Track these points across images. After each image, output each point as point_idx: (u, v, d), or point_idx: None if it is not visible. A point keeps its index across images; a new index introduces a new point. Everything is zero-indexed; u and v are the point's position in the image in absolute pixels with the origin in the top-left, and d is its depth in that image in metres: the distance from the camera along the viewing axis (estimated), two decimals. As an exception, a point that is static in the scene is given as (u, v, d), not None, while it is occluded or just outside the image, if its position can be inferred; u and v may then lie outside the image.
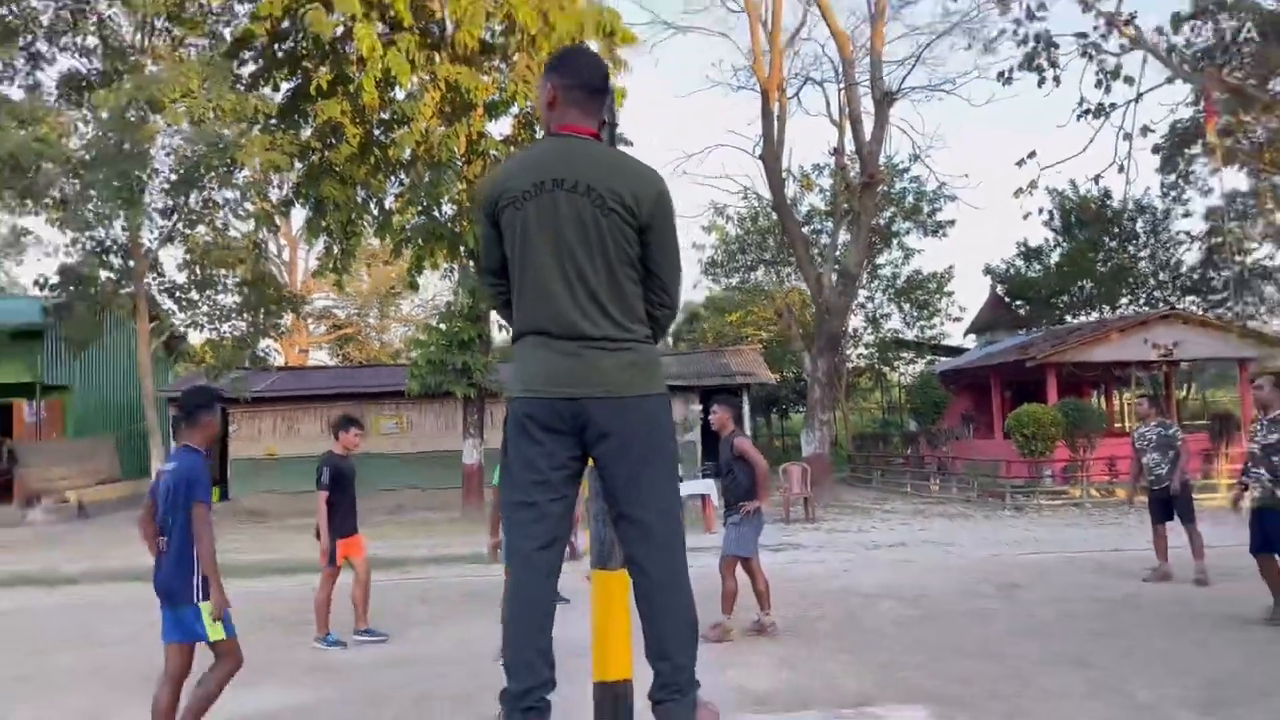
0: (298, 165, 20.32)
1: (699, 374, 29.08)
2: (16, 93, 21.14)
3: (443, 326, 20.71)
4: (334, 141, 19.64)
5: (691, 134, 71.48)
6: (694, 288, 37.51)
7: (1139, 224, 34.26)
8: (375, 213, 20.69)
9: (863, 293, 36.45)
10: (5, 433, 27.21)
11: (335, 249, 20.87)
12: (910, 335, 36.62)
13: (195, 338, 27.66)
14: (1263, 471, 7.66)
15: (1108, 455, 20.85)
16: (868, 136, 21.30)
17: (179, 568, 5.04)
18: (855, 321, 37.27)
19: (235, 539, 17.37)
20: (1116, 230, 33.73)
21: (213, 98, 17.20)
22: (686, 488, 17.36)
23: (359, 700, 6.50)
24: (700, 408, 28.00)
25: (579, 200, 2.61)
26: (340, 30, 18.19)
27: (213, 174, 19.47)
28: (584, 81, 2.78)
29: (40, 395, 26.10)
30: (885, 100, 21.26)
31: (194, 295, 23.89)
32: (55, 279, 21.03)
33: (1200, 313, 27.74)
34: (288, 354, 45.64)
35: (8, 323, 23.59)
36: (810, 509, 18.17)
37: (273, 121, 19.84)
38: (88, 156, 18.74)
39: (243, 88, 19.07)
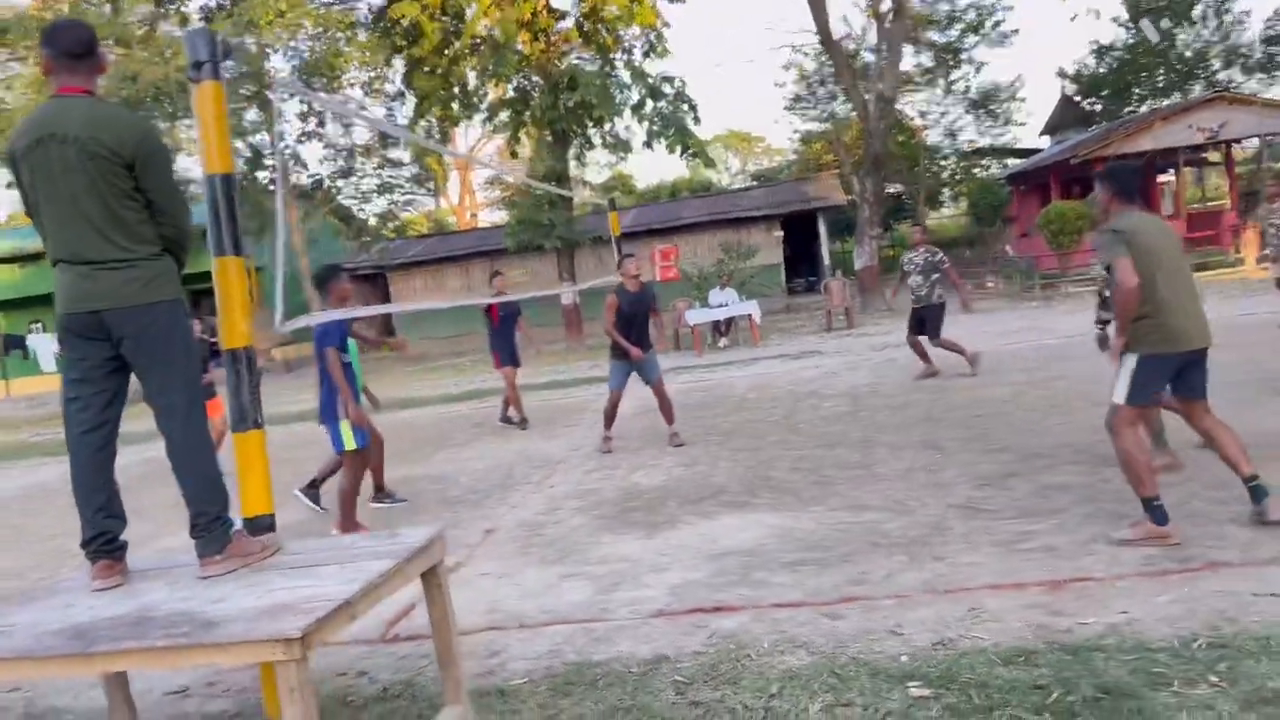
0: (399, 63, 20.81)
1: (780, 202, 28.79)
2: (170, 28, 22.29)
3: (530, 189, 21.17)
4: (417, 38, 19.94)
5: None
6: (775, 124, 36.45)
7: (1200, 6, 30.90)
8: (459, 96, 20.99)
9: (938, 108, 34.64)
10: (211, 311, 29.69)
11: (435, 133, 21.40)
12: (985, 144, 34.70)
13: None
14: None
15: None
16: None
17: (326, 396, 6.20)
18: (935, 136, 35.60)
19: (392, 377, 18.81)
20: (1180, 18, 30.56)
21: (297, 16, 17.70)
22: (737, 309, 17.64)
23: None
24: (781, 233, 27.87)
25: (69, 150, 2.90)
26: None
27: (323, 78, 20.12)
28: (66, 49, 3.02)
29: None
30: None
31: (339, 183, 25.13)
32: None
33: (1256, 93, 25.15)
34: (460, 217, 47.01)
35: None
36: (851, 317, 18.19)
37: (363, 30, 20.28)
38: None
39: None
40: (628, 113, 18.97)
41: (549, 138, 20.13)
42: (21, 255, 28.36)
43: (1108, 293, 5.13)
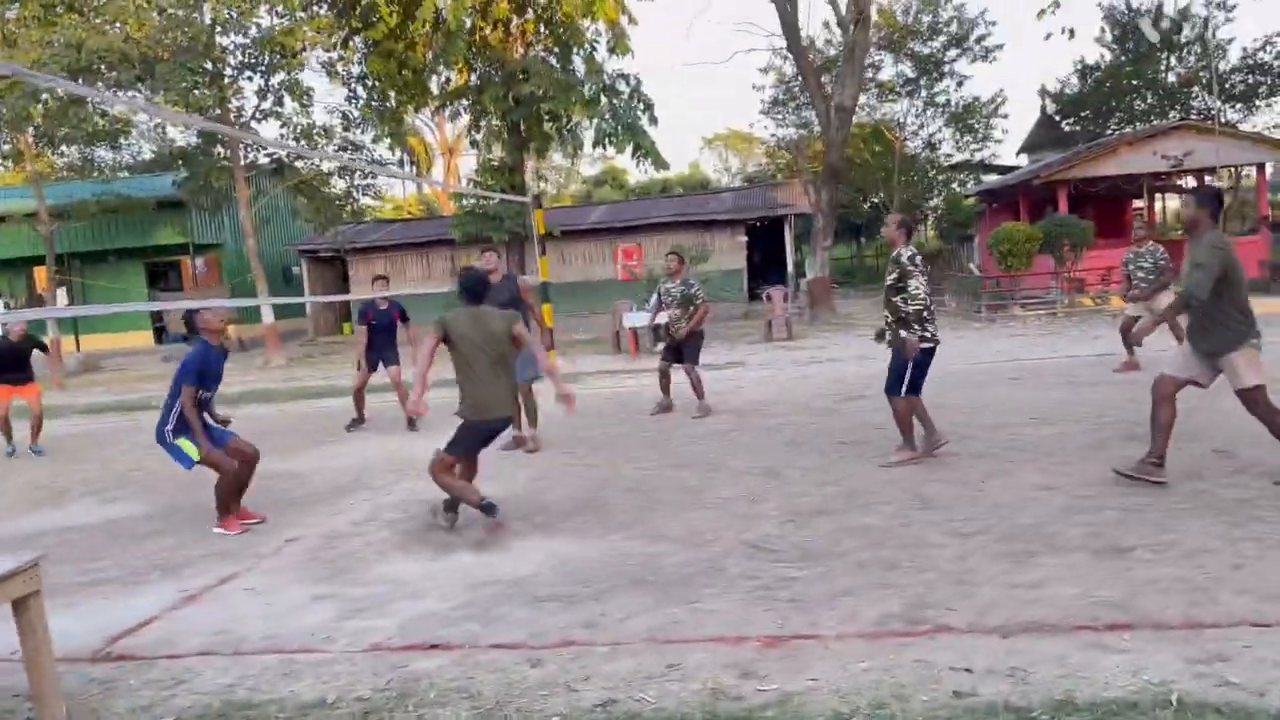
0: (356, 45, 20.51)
1: (747, 207, 28.59)
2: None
3: (479, 180, 20.93)
4: (373, 21, 19.64)
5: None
6: (750, 127, 36.20)
7: (1183, 33, 30.69)
8: (410, 81, 20.65)
9: (917, 120, 34.39)
10: (179, 286, 29.50)
11: (387, 118, 21.10)
12: (962, 159, 34.47)
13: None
14: None
15: (1098, 266, 19.58)
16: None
17: (162, 419, 6.26)
18: (915, 148, 35.37)
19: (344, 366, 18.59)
20: (1166, 43, 30.34)
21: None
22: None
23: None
24: (745, 238, 27.65)
25: None
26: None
27: (276, 56, 19.81)
28: None
29: (194, 253, 27.90)
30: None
31: (298, 164, 24.77)
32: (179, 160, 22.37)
33: (1218, 121, 24.89)
34: (444, 203, 46.60)
35: (153, 195, 25.11)
36: (790, 329, 18.00)
37: (320, 11, 19.98)
38: (164, 50, 19.36)
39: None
40: (578, 109, 18.70)
41: (504, 129, 19.87)
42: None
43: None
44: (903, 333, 6.57)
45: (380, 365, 10.39)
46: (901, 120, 33.82)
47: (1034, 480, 5.93)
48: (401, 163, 25.57)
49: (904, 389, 6.67)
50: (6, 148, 24.79)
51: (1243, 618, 3.60)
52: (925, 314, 6.55)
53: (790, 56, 26.20)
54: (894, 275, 6.60)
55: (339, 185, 25.93)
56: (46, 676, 2.93)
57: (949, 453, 6.86)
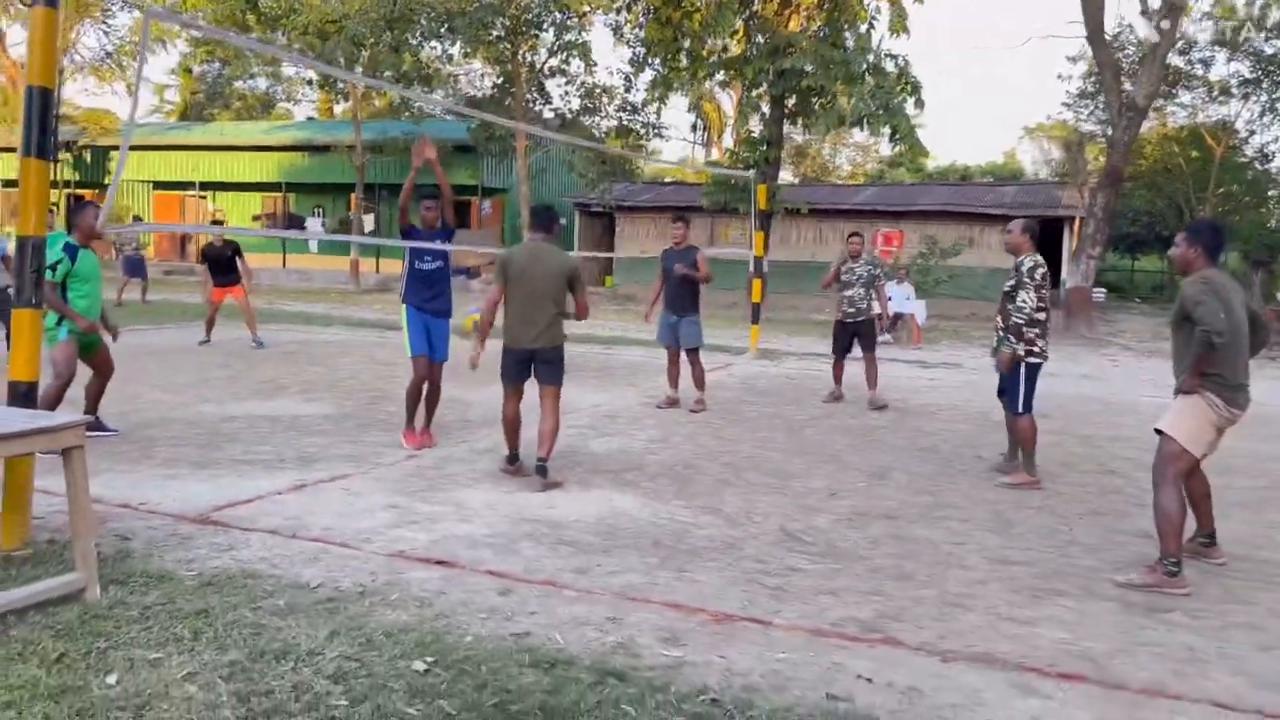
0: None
1: (1024, 204, 26.86)
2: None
3: (730, 150, 21.18)
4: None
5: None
6: (1047, 117, 33.46)
7: None
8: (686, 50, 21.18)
9: (1249, 126, 30.59)
10: (464, 224, 32.23)
11: (659, 83, 21.81)
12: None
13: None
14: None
15: None
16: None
17: None
18: (1248, 154, 31.52)
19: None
20: None
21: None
22: (899, 305, 16.98)
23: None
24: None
25: None
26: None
27: (556, 15, 21.07)
28: None
29: (482, 195, 30.36)
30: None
31: (583, 119, 26.28)
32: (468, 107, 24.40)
33: None
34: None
35: (450, 139, 27.56)
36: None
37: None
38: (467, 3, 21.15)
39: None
40: (840, 86, 18.41)
41: (763, 101, 20.00)
42: (313, 145, 31.98)
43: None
44: (1005, 345, 6.28)
45: None
46: (1231, 124, 30.25)
47: (1136, 527, 5.50)
48: (695, 126, 26.47)
49: (1021, 405, 6.36)
50: (340, 86, 28.10)
51: (1216, 698, 3.31)
52: (1029, 328, 6.26)
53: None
54: (1010, 283, 6.33)
55: (615, 144, 27.22)
56: (82, 516, 3.66)
57: (1084, 484, 6.46)
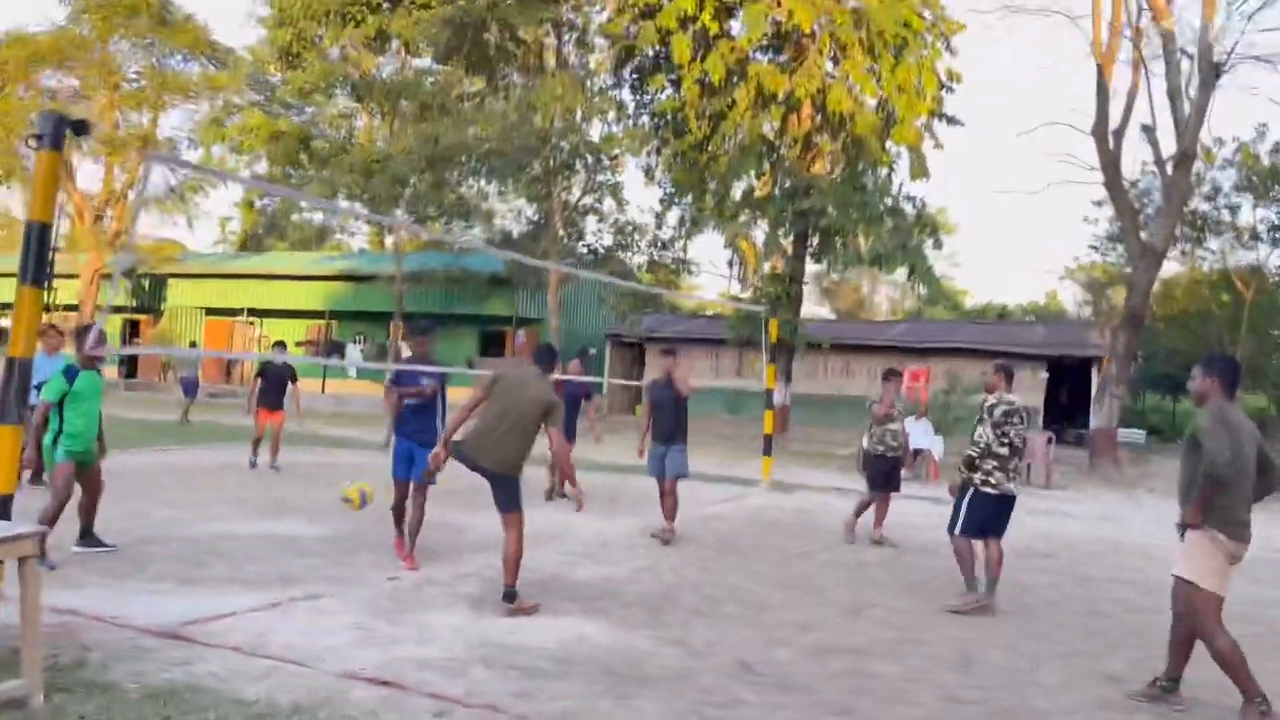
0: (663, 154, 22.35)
1: (1054, 343, 26.95)
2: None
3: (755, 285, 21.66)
4: (680, 133, 21.33)
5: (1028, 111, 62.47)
6: (1073, 260, 33.73)
7: None
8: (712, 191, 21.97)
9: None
10: (502, 353, 32.99)
11: (686, 221, 22.57)
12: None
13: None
14: None
15: None
16: (1187, 110, 18.32)
17: None
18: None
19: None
20: None
21: (570, 100, 19.70)
22: (917, 441, 16.94)
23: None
24: (1046, 375, 26.07)
25: None
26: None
27: (588, 158, 22.06)
28: None
29: (516, 325, 31.11)
30: (1211, 72, 18.08)
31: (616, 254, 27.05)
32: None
33: None
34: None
35: (485, 271, 28.50)
36: (1049, 476, 16.79)
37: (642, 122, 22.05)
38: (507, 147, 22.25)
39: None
40: (860, 226, 18.93)
41: (783, 239, 20.56)
42: (357, 275, 33.16)
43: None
44: (958, 474, 6.70)
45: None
46: (1261, 268, 30.30)
47: (1106, 669, 5.40)
48: (730, 262, 27.19)
49: (958, 527, 6.73)
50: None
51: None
52: (983, 459, 6.60)
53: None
54: (978, 418, 6.61)
55: (645, 278, 27.92)
56: (31, 625, 3.81)
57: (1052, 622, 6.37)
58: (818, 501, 12.77)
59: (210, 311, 35.85)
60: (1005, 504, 6.74)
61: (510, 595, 5.92)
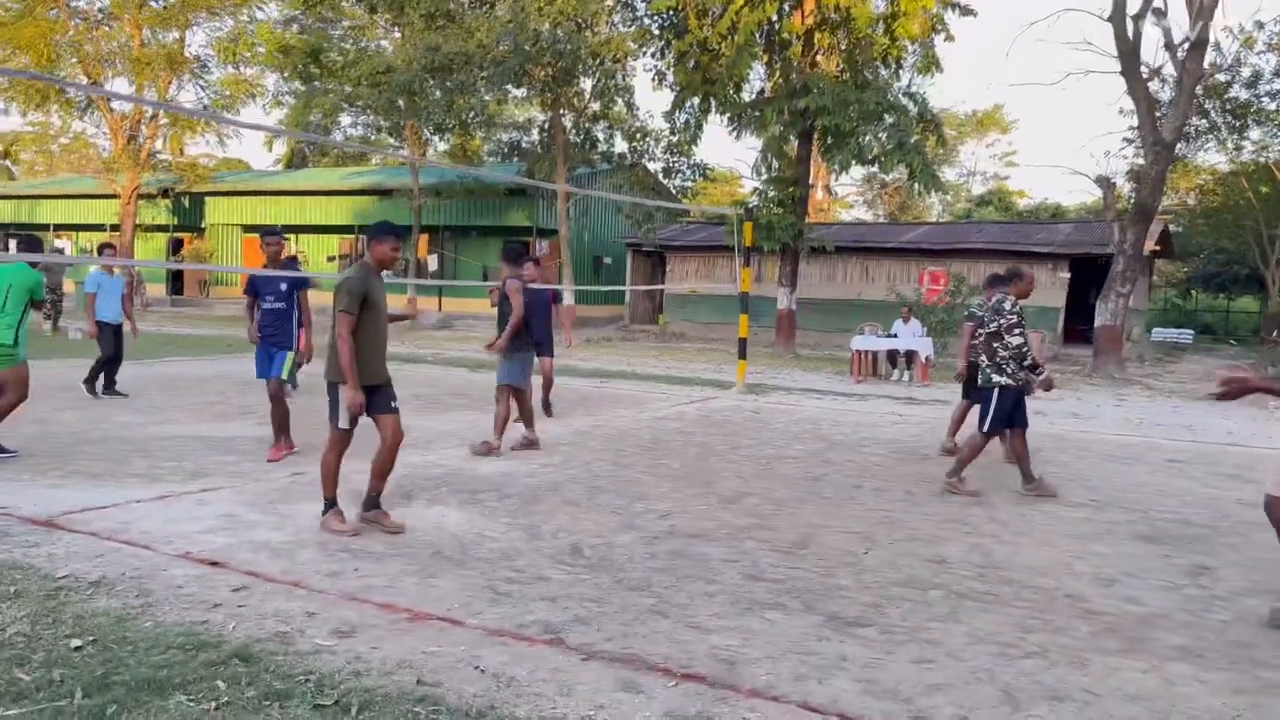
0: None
1: (1074, 242, 26.19)
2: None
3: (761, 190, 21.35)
4: (681, 33, 20.86)
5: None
6: (1107, 156, 32.27)
7: None
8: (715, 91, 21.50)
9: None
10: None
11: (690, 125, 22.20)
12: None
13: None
14: None
15: None
16: (1201, -8, 17.31)
17: None
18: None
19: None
20: None
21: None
22: (905, 342, 16.84)
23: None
24: (1067, 275, 25.44)
25: None
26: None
27: (589, 61, 21.78)
28: None
29: (537, 235, 31.21)
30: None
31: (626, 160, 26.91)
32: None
33: None
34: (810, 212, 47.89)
35: (501, 183, 28.53)
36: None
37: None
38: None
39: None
40: (858, 124, 18.44)
41: (785, 141, 20.17)
42: (380, 189, 33.42)
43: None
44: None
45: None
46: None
47: (936, 554, 5.52)
48: (755, 168, 26.80)
49: (985, 424, 7.31)
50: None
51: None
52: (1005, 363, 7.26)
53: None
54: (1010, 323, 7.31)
55: (666, 185, 27.75)
56: None
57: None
58: (783, 404, 12.86)
59: (247, 229, 36.56)
60: (1022, 395, 7.38)
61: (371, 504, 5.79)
